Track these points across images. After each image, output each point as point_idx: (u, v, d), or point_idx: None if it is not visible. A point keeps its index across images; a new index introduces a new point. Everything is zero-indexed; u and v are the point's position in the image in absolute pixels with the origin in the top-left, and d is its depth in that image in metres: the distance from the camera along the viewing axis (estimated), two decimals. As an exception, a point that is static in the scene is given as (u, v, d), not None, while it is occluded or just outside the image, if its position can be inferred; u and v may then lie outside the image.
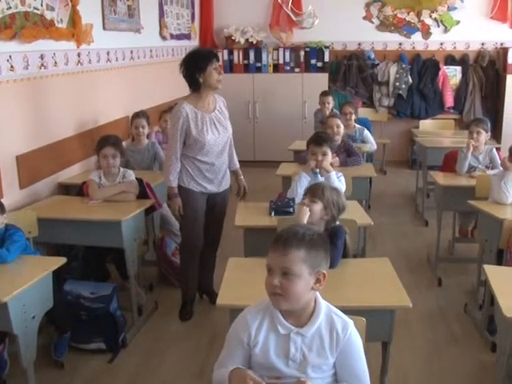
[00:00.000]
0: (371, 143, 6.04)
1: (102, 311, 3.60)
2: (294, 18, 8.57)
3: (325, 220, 3.08)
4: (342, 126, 5.36)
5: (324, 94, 6.75)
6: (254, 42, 8.59)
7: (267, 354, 1.99)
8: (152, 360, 3.60)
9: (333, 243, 2.87)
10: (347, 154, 5.07)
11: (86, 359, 3.57)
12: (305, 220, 3.00)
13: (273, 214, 3.65)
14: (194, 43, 8.39)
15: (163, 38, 7.10)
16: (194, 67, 3.78)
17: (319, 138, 4.22)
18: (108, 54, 5.49)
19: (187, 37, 8.12)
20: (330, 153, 4.10)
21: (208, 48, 3.98)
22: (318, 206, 3.07)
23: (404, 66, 8.60)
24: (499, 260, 3.71)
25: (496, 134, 8.05)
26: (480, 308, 4.05)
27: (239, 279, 2.80)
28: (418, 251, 5.30)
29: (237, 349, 2.04)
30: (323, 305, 2.03)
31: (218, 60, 3.86)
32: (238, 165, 4.26)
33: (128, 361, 3.58)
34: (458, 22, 8.69)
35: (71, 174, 4.78)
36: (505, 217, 3.69)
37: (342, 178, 4.05)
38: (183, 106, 3.80)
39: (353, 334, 2.01)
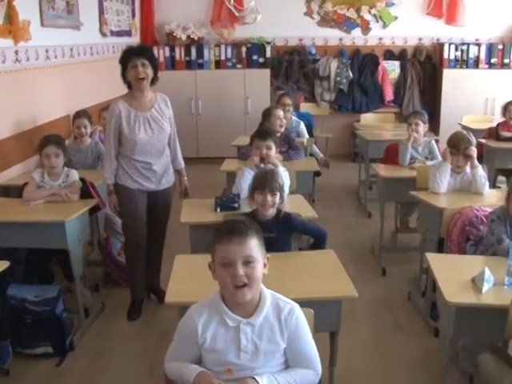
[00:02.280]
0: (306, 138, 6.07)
1: (47, 314, 3.53)
2: (236, 14, 8.57)
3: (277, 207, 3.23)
4: (281, 115, 5.38)
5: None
6: (196, 39, 8.57)
7: (218, 349, 2.01)
8: (100, 361, 3.55)
9: (302, 224, 3.30)
10: (288, 146, 5.10)
11: (32, 364, 3.49)
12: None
13: (218, 209, 3.66)
14: (134, 40, 8.29)
15: (103, 34, 7.01)
16: (122, 66, 3.80)
17: (263, 132, 4.26)
18: (47, 51, 5.38)
19: (128, 33, 8.03)
20: (274, 146, 4.13)
21: (135, 45, 3.93)
22: (277, 197, 3.21)
23: (344, 61, 8.73)
24: (440, 248, 3.82)
25: (434, 126, 8.28)
26: (423, 295, 4.16)
27: (187, 276, 2.80)
28: (362, 242, 5.40)
29: (186, 345, 2.07)
30: (268, 293, 2.06)
31: (139, 57, 3.75)
32: (182, 164, 4.22)
33: (76, 363, 3.53)
34: (395, 18, 8.89)
35: (10, 175, 4.66)
36: (444, 206, 3.80)
37: (287, 173, 4.09)
38: (117, 104, 3.80)
39: (299, 317, 2.05)
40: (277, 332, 2.02)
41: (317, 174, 6.65)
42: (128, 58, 3.75)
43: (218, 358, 2.02)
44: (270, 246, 2.98)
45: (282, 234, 3.21)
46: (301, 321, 2.06)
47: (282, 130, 5.27)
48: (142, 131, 3.82)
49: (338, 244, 5.14)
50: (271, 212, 3.22)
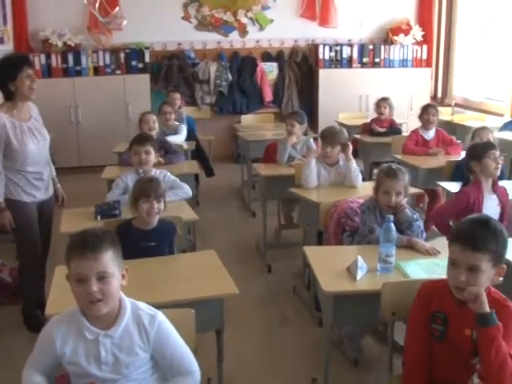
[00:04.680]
0: (182, 136, 6.14)
1: None
2: (101, 20, 8.37)
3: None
4: (156, 121, 5.42)
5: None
6: (73, 45, 8.32)
7: (79, 362, 1.99)
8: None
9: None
10: (165, 151, 5.10)
11: None
12: None
13: (99, 217, 3.61)
14: (7, 48, 7.91)
15: (-28, 43, 6.68)
16: (5, 76, 3.59)
17: (141, 137, 4.25)
18: None
19: (0, 41, 7.70)
20: (153, 151, 4.13)
21: (20, 54, 3.77)
22: (162, 204, 3.20)
23: (223, 63, 8.82)
24: (319, 241, 3.96)
25: (313, 124, 8.52)
26: (307, 288, 4.30)
27: (67, 288, 2.74)
28: (247, 241, 5.49)
29: (44, 356, 2.05)
30: (128, 303, 2.05)
31: (30, 66, 3.68)
32: (54, 173, 4.13)
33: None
34: (271, 21, 9.08)
35: None
36: (320, 200, 3.95)
37: (170, 176, 4.13)
38: (0, 117, 3.59)
39: (162, 324, 2.05)
40: (137, 342, 2.01)
41: (210, 175, 6.78)
42: (20, 66, 3.59)
43: (80, 371, 2.00)
44: (151, 255, 3.02)
45: (163, 242, 3.20)
46: (164, 327, 2.05)
47: (154, 133, 5.23)
48: (31, 142, 3.69)
49: (223, 244, 5.28)
50: (157, 219, 3.20)
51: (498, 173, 3.82)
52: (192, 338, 2.33)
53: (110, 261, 1.94)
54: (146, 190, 3.19)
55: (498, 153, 3.77)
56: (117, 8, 8.34)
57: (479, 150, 3.78)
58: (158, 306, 2.19)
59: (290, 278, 4.68)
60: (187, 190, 4.07)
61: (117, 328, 2.00)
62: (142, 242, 3.11)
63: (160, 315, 2.07)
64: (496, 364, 2.03)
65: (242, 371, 3.42)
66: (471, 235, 2.10)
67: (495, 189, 3.79)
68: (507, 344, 2.06)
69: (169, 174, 4.13)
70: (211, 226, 5.79)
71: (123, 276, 2.01)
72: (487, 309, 2.06)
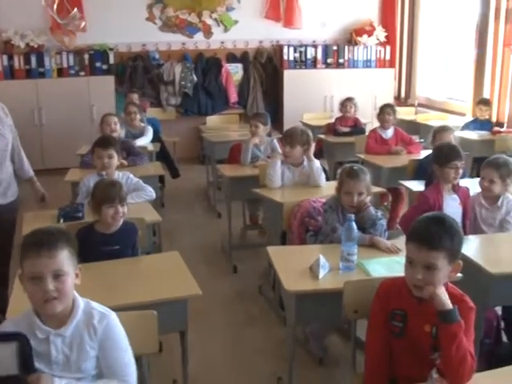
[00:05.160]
0: (148, 138, 6.11)
1: None
2: (59, 21, 8.23)
3: None
4: (118, 123, 5.40)
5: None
6: (36, 46, 8.21)
7: None
8: None
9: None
10: (127, 152, 5.05)
11: None
12: None
13: (61, 220, 3.57)
14: (-33, 50, 7.84)
15: None
16: None
17: (104, 141, 4.21)
18: None
19: (-41, 43, 7.57)
20: (116, 155, 4.10)
21: None
22: (126, 208, 3.17)
23: (188, 65, 8.80)
24: (284, 241, 3.99)
25: (278, 125, 8.54)
26: (273, 288, 4.32)
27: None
28: (213, 242, 5.49)
29: None
30: (81, 302, 2.04)
31: None
32: (31, 172, 4.02)
33: None
34: (236, 22, 9.10)
35: None
36: (284, 200, 3.98)
37: (133, 178, 4.12)
38: None
39: (112, 323, 2.03)
40: (87, 341, 1.99)
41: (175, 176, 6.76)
42: None
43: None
44: (115, 259, 2.99)
45: (126, 245, 3.17)
46: (114, 327, 2.04)
47: (115, 134, 5.17)
48: None
49: (190, 245, 5.28)
50: (121, 223, 3.16)
51: (457, 181, 3.88)
52: (154, 340, 2.34)
53: (65, 259, 1.93)
54: (110, 194, 3.13)
55: (460, 163, 3.82)
56: (75, 9, 8.21)
57: (442, 157, 3.81)
58: (120, 309, 2.19)
59: (256, 278, 4.70)
60: (150, 192, 4.06)
61: (68, 327, 1.98)
62: (105, 247, 3.07)
63: (113, 315, 2.06)
64: (456, 359, 2.06)
65: (208, 372, 3.42)
66: (427, 234, 2.13)
67: (455, 189, 3.86)
68: (466, 339, 2.10)
69: (131, 176, 4.12)
70: (177, 227, 5.78)
71: (77, 275, 2.00)
72: (449, 306, 2.10)
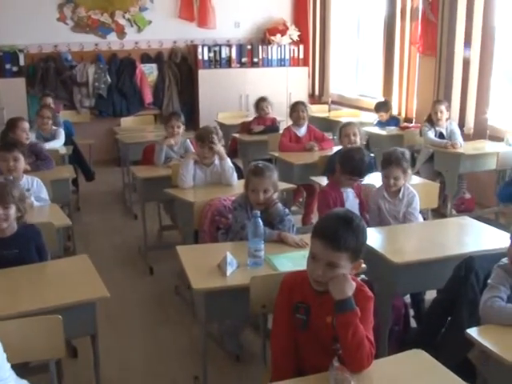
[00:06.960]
0: (60, 141, 6.02)
1: None
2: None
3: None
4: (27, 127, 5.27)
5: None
6: None
7: None
8: None
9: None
10: (36, 156, 4.94)
11: None
12: None
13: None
14: None
15: None
16: None
17: (8, 143, 4.15)
18: None
19: None
20: (22, 158, 4.02)
21: None
22: (12, 210, 2.99)
23: (102, 66, 8.68)
24: (196, 240, 4.01)
25: (193, 124, 8.54)
26: (188, 287, 4.32)
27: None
28: (129, 244, 5.46)
29: None
30: None
31: None
32: None
33: None
34: (150, 22, 9.05)
35: None
36: (194, 199, 4.01)
37: (40, 182, 4.04)
38: None
39: None
40: None
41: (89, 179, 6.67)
42: None
43: None
44: (17, 264, 2.90)
45: (27, 249, 3.03)
46: None
47: (28, 142, 5.09)
48: None
49: (106, 248, 5.23)
50: (5, 226, 2.99)
51: (350, 188, 4.04)
52: (60, 345, 2.31)
53: None
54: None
55: (360, 179, 3.98)
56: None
57: (347, 167, 3.93)
58: (23, 315, 2.16)
59: (173, 278, 4.68)
60: (44, 196, 4.01)
61: None
62: (2, 251, 2.95)
63: None
64: (353, 345, 2.13)
65: (124, 375, 3.41)
66: (334, 235, 2.15)
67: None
68: (365, 326, 2.18)
69: (38, 180, 4.03)
70: (93, 230, 5.71)
71: None
72: (346, 295, 2.15)
